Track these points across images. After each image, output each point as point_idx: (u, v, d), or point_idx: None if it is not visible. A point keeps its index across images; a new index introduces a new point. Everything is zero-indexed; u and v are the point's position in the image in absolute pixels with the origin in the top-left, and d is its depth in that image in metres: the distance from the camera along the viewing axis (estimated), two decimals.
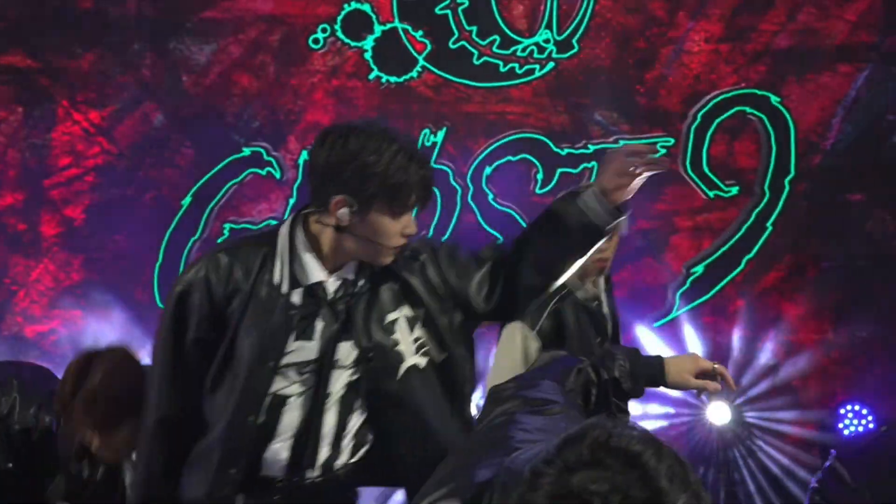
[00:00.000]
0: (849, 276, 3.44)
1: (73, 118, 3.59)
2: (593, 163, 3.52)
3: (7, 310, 3.58)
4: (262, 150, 3.56)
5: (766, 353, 3.41)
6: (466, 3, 3.50)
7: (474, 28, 3.52)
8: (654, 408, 3.41)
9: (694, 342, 3.51)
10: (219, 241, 3.58)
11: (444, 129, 3.54)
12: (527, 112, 3.56)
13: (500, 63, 3.53)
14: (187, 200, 3.56)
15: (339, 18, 3.53)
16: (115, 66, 3.60)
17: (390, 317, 1.46)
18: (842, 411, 3.32)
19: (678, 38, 3.54)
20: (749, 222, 3.49)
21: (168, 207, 3.56)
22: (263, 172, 3.56)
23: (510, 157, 3.54)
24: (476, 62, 3.53)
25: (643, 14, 3.53)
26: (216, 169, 3.55)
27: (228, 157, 3.55)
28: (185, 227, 3.56)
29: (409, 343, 1.48)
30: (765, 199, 3.48)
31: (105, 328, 3.56)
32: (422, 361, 1.48)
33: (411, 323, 1.47)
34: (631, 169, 1.39)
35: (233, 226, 3.56)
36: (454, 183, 3.53)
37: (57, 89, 3.59)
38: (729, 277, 3.49)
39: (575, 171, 3.52)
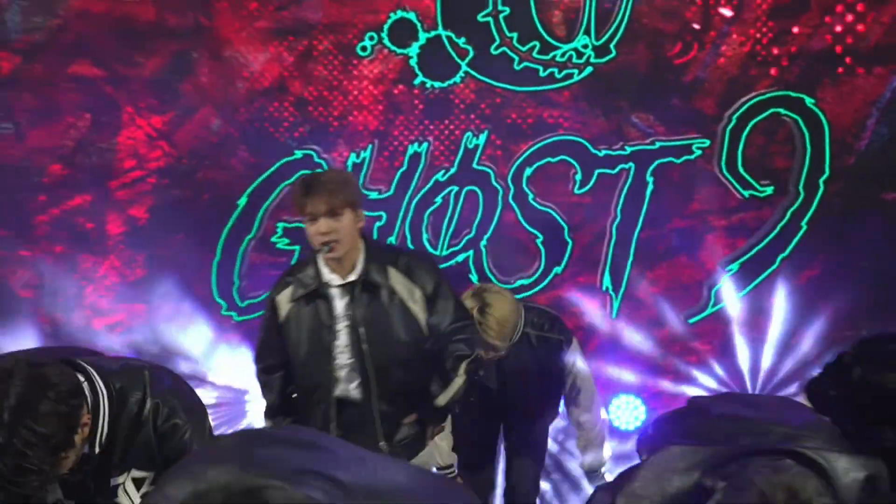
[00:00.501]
0: (883, 276, 3.43)
1: (136, 123, 3.74)
2: (630, 164, 3.57)
3: (77, 303, 3.75)
4: (312, 153, 3.67)
5: (801, 352, 3.41)
6: (507, 11, 3.55)
7: (515, 34, 3.57)
8: None
9: (730, 339, 3.54)
10: (272, 238, 3.72)
11: (486, 132, 3.60)
12: (565, 115, 3.61)
13: (540, 68, 3.57)
14: (243, 201, 3.69)
15: (386, 27, 3.60)
16: (175, 75, 3.73)
17: None
18: None
19: (713, 42, 3.54)
20: (784, 221, 3.51)
21: (225, 207, 3.70)
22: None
23: (549, 159, 3.60)
24: (517, 67, 3.58)
25: (679, 19, 3.54)
26: (270, 171, 3.67)
27: (281, 160, 3.67)
28: (241, 226, 3.70)
29: None
30: (800, 199, 3.49)
31: (166, 320, 3.72)
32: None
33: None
34: None
35: (286, 224, 3.69)
36: (495, 184, 3.60)
37: (122, 96, 3.74)
38: (764, 275, 3.51)
39: (613, 171, 3.58)
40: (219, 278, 3.71)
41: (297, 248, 3.70)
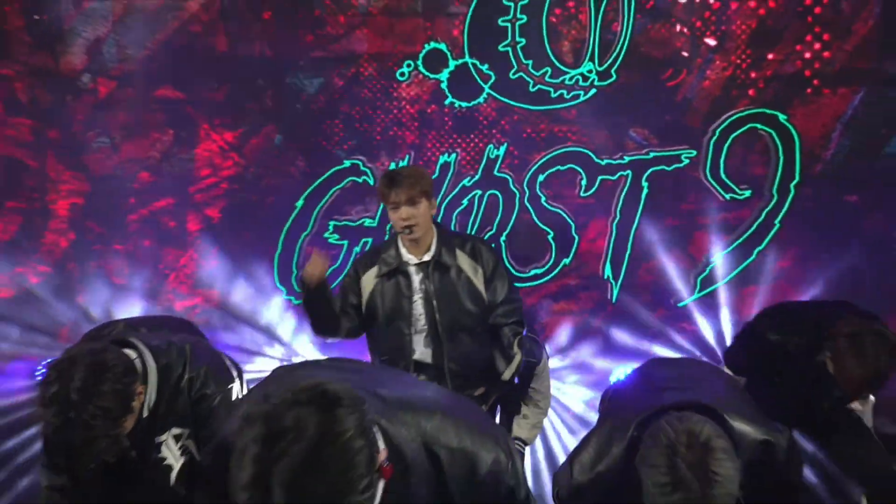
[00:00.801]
0: (845, 265, 3.84)
1: (211, 138, 4.26)
2: (628, 171, 4.01)
3: (161, 289, 4.30)
4: (359, 163, 4.17)
5: None
6: (524, 42, 4.02)
7: (530, 62, 4.02)
8: None
9: (713, 320, 3.97)
10: (325, 234, 4.24)
11: (505, 144, 4.07)
12: (573, 130, 4.05)
13: (551, 90, 4.02)
14: (300, 203, 4.19)
15: (421, 56, 4.08)
16: (243, 97, 4.24)
17: None
18: None
19: (700, 67, 3.98)
20: (760, 220, 3.91)
21: (285, 209, 4.20)
22: (360, 180, 4.17)
23: (559, 167, 4.04)
24: (531, 90, 4.02)
25: (670, 48, 3.98)
26: (323, 178, 4.16)
27: (332, 168, 4.16)
28: (298, 225, 4.19)
29: None
30: (774, 201, 3.90)
31: (236, 304, 4.26)
32: None
33: None
34: None
35: (336, 223, 4.18)
36: (513, 188, 4.06)
37: (199, 116, 4.26)
38: (742, 266, 3.93)
39: (613, 177, 4.02)
40: (279, 268, 4.22)
41: (345, 242, 4.21)
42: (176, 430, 1.94)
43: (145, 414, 1.81)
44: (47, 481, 1.89)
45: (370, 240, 4.06)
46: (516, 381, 2.72)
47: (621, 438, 1.71)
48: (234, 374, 2.09)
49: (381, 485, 1.13)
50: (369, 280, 2.69)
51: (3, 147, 4.38)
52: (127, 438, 1.77)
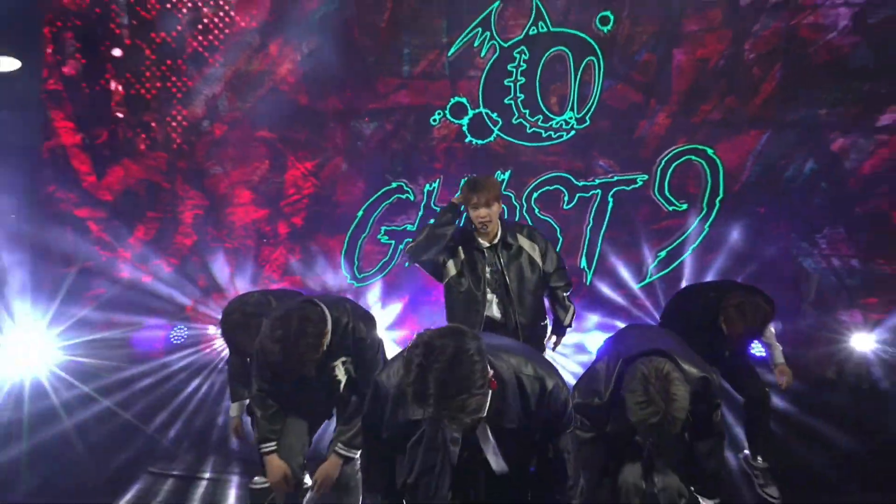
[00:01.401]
0: (756, 258, 4.94)
1: (296, 167, 5.55)
2: (598, 190, 5.19)
3: (259, 275, 5.58)
4: (402, 184, 5.41)
5: None
6: (523, 97, 5.25)
7: (527, 111, 5.25)
8: None
9: (660, 298, 5.10)
10: (378, 237, 5.45)
11: (510, 171, 5.29)
12: (558, 160, 5.26)
13: (542, 131, 5.24)
14: (360, 213, 5.44)
15: (448, 107, 5.34)
16: (319, 137, 5.52)
17: None
18: None
19: (651, 115, 5.15)
20: (694, 226, 5.08)
21: (349, 218, 5.46)
22: (403, 197, 5.42)
23: (548, 187, 5.26)
24: (528, 131, 5.25)
25: (629, 101, 5.17)
26: (377, 195, 5.43)
27: (383, 189, 5.42)
28: (359, 229, 5.45)
29: None
30: (704, 212, 5.07)
31: (314, 287, 5.48)
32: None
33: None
34: None
35: (386, 228, 5.42)
36: (514, 202, 5.26)
37: (287, 150, 5.56)
38: (681, 259, 5.10)
39: (587, 195, 5.22)
40: (345, 261, 5.48)
41: (392, 241, 5.45)
42: (343, 358, 2.53)
43: (324, 348, 2.38)
44: (258, 386, 2.56)
45: (410, 239, 5.27)
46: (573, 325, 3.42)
47: (611, 373, 2.30)
48: (374, 322, 2.70)
49: (489, 392, 1.59)
50: (450, 268, 3.25)
51: (146, 174, 5.72)
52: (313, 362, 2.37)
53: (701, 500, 2.47)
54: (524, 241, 3.19)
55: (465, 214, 3.18)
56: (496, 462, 1.77)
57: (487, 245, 3.16)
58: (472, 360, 1.55)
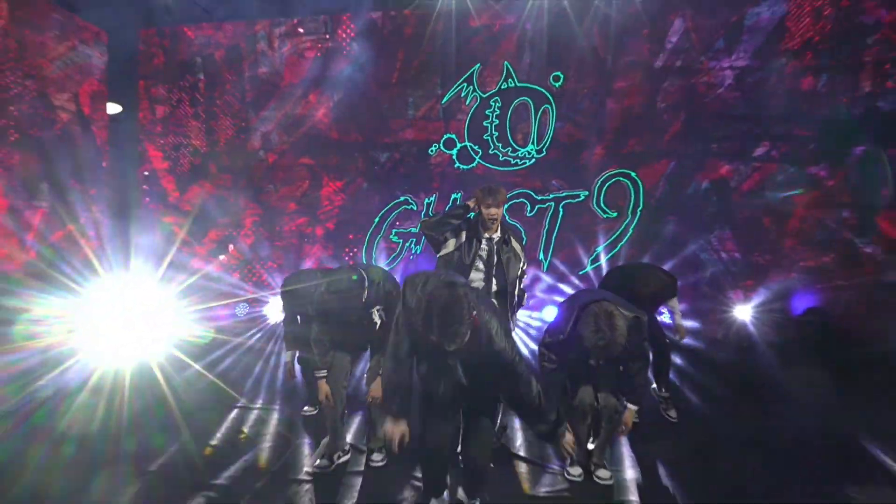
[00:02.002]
0: (670, 254, 6.35)
1: (329, 185, 7.05)
2: (552, 203, 6.64)
3: (301, 266, 7.01)
4: (408, 198, 6.90)
5: None
6: (497, 133, 6.73)
7: (500, 144, 6.75)
8: None
9: (597, 280, 6.51)
10: (390, 237, 6.90)
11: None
12: (522, 180, 6.77)
13: (511, 159, 6.74)
14: (377, 220, 6.92)
15: (441, 141, 6.84)
16: (346, 162, 7.02)
17: None
18: None
19: (590, 147, 6.61)
20: (621, 229, 6.53)
21: (368, 223, 6.97)
22: (408, 208, 6.91)
23: (515, 200, 6.75)
24: (501, 159, 6.74)
25: (575, 137, 6.63)
26: (388, 206, 6.93)
27: (393, 201, 6.90)
28: (375, 232, 6.93)
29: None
30: (628, 219, 6.52)
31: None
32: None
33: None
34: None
35: (395, 230, 6.89)
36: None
37: (322, 173, 7.08)
38: (612, 253, 6.57)
39: (544, 206, 6.67)
40: (365, 254, 6.96)
41: (400, 241, 6.90)
42: (378, 308, 3.20)
43: (363, 300, 3.07)
44: (317, 328, 3.16)
45: (414, 240, 6.74)
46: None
47: (570, 316, 2.78)
48: (397, 282, 3.24)
49: (472, 326, 2.13)
50: (450, 243, 3.62)
51: (217, 190, 7.21)
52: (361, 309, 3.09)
53: (629, 406, 3.10)
54: (516, 245, 3.64)
55: (472, 213, 3.65)
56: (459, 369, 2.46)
57: (488, 237, 3.55)
58: (461, 305, 2.12)
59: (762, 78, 6.28)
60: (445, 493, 2.66)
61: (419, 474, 2.93)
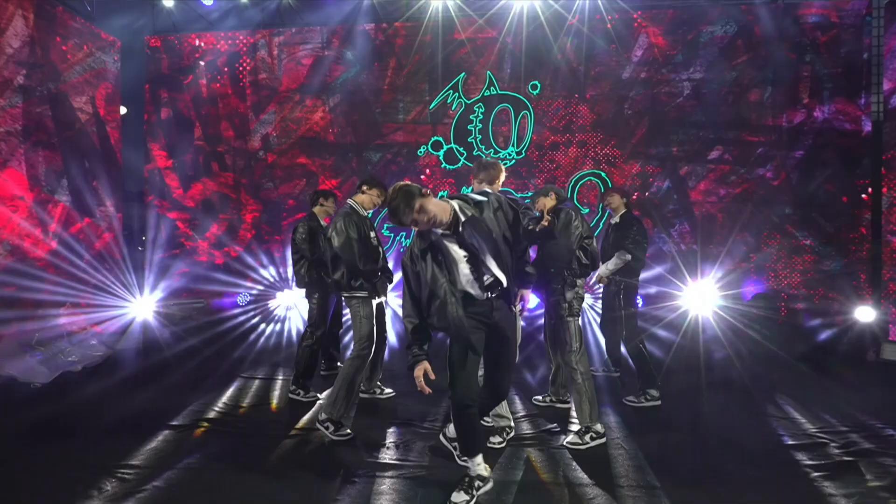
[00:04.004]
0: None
1: (325, 183, 7.52)
2: (529, 200, 7.20)
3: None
4: None
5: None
6: (480, 136, 7.28)
7: (483, 146, 7.29)
8: None
9: None
10: (383, 231, 7.40)
11: (471, 186, 7.24)
12: (505, 178, 7.25)
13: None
14: (369, 215, 7.36)
15: (430, 143, 7.35)
16: (341, 163, 7.49)
17: None
18: None
19: (564, 150, 7.20)
20: (592, 224, 7.12)
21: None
22: None
23: None
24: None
25: (551, 140, 7.22)
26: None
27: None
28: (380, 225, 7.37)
29: None
30: (599, 214, 7.13)
31: None
32: None
33: None
34: None
35: (387, 226, 7.38)
36: None
37: (319, 172, 7.52)
38: None
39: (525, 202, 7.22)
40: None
41: (391, 234, 7.38)
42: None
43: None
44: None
45: (404, 234, 7.24)
46: None
47: None
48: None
49: (435, 206, 2.37)
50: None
51: (219, 188, 7.59)
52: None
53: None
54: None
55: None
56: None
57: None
58: (412, 189, 2.41)
59: (716, 89, 6.97)
60: (480, 457, 2.71)
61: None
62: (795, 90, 6.79)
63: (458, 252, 2.50)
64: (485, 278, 2.50)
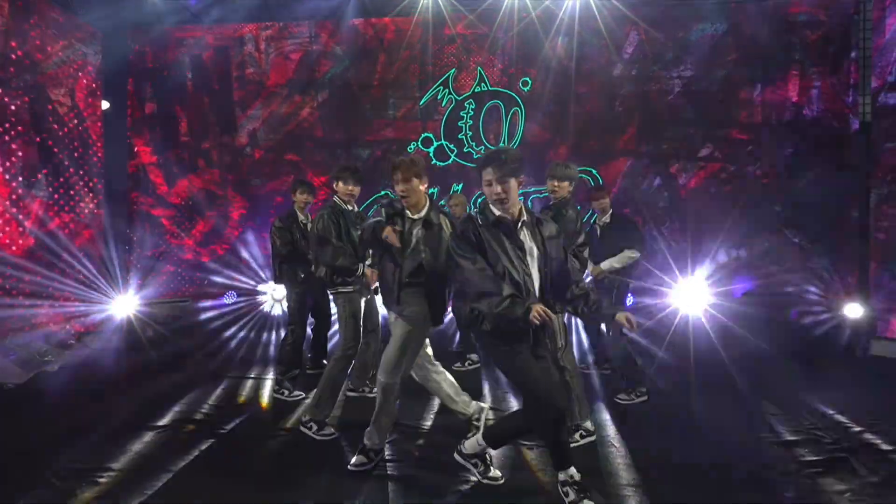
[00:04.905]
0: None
1: (314, 181, 7.33)
2: (520, 197, 7.13)
3: None
4: (388, 192, 7.26)
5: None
6: (471, 133, 7.21)
7: (474, 143, 7.22)
8: None
9: None
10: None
11: (462, 184, 7.22)
12: None
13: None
14: (362, 207, 7.25)
15: (420, 140, 7.27)
16: (330, 159, 7.38)
17: None
18: None
19: (555, 147, 7.15)
20: (584, 219, 7.03)
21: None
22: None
23: None
24: (474, 157, 7.20)
25: (542, 137, 7.15)
26: (370, 199, 7.29)
27: (375, 195, 7.28)
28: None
29: None
30: (590, 212, 7.05)
31: None
32: None
33: None
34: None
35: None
36: (467, 205, 7.16)
37: (307, 168, 7.38)
38: None
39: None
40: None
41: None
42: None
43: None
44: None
45: None
46: None
47: None
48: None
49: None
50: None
51: (204, 185, 7.45)
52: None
53: None
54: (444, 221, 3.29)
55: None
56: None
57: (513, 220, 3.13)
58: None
59: (706, 87, 6.95)
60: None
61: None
62: (784, 88, 6.79)
63: (518, 245, 2.42)
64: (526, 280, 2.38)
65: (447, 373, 3.18)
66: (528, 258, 2.44)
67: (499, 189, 2.54)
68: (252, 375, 4.75)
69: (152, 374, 4.72)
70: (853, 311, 5.81)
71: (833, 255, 6.62)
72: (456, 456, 2.87)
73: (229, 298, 7.28)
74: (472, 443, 2.80)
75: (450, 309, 2.89)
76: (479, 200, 7.26)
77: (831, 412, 3.78)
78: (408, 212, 3.12)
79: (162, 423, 3.60)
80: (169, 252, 7.31)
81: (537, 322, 2.18)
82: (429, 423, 3.62)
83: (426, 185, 3.18)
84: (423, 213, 3.10)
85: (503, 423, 2.79)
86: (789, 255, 6.76)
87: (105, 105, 7.27)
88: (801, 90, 6.75)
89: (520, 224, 2.57)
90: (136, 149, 7.44)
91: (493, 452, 2.86)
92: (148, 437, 3.36)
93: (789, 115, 6.77)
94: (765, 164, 6.82)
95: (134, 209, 7.37)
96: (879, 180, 6.19)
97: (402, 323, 2.84)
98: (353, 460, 2.90)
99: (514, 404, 4.05)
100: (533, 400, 2.37)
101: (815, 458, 3.05)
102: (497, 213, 2.59)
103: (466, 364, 4.93)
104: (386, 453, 3.09)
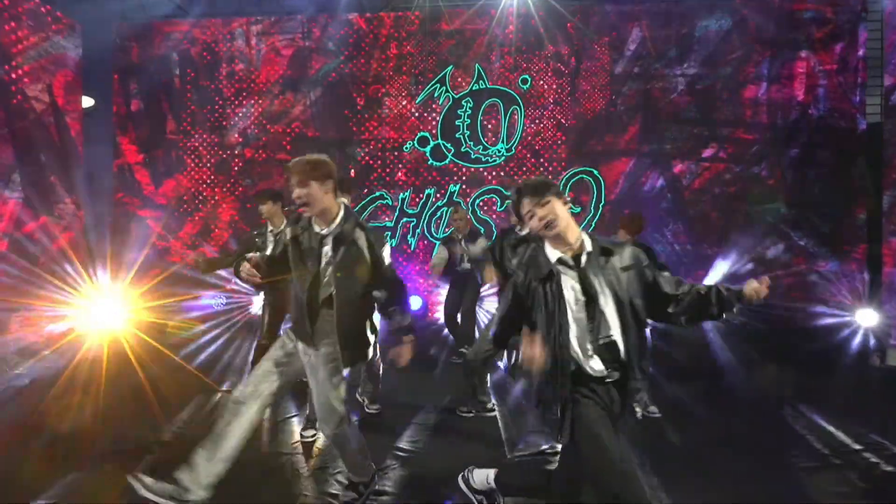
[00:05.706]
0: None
1: None
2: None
3: None
4: (383, 193, 6.98)
5: None
6: (468, 133, 6.89)
7: (471, 142, 6.91)
8: None
9: None
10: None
11: (459, 184, 6.90)
12: (493, 177, 6.90)
13: (482, 157, 6.90)
14: (358, 207, 6.93)
15: (416, 139, 6.95)
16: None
17: None
18: None
19: (556, 147, 6.85)
20: (585, 222, 6.78)
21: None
22: (384, 202, 6.96)
23: (486, 196, 6.90)
24: (473, 156, 6.89)
25: (540, 136, 6.86)
26: (365, 200, 7.00)
27: (370, 196, 6.97)
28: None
29: None
30: (591, 213, 6.78)
31: None
32: None
33: None
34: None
35: (371, 223, 6.93)
36: (464, 207, 6.86)
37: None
38: None
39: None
40: None
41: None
42: None
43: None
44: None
45: (389, 233, 6.82)
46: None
47: None
48: None
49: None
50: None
51: (193, 184, 7.08)
52: None
53: None
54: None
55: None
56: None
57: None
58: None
59: (710, 85, 6.67)
60: None
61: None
62: (791, 87, 6.51)
63: (573, 291, 1.93)
64: (600, 335, 1.89)
65: (259, 418, 2.41)
66: (572, 308, 1.94)
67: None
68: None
69: (132, 387, 4.33)
70: (866, 317, 5.54)
71: (840, 259, 6.35)
72: (460, 482, 2.51)
73: (217, 302, 6.93)
74: (481, 477, 2.45)
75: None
76: (477, 202, 6.96)
77: (849, 426, 3.53)
78: (314, 225, 2.50)
79: (125, 446, 3.23)
80: (155, 254, 6.95)
81: None
82: (421, 445, 3.31)
83: (332, 192, 2.52)
84: (332, 227, 2.46)
85: (528, 477, 2.34)
86: (796, 258, 6.49)
87: (88, 102, 6.91)
88: (807, 89, 6.48)
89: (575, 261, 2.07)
90: (121, 147, 7.08)
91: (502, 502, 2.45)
92: (107, 462, 2.97)
93: (795, 114, 6.50)
94: (770, 165, 6.55)
95: (120, 210, 7.01)
96: (893, 181, 5.93)
97: (321, 363, 2.35)
98: (342, 496, 2.58)
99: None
100: (603, 483, 1.77)
101: (816, 464, 2.92)
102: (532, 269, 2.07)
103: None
104: (379, 483, 2.75)
